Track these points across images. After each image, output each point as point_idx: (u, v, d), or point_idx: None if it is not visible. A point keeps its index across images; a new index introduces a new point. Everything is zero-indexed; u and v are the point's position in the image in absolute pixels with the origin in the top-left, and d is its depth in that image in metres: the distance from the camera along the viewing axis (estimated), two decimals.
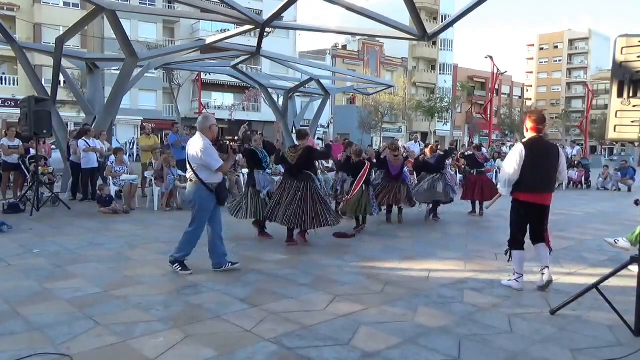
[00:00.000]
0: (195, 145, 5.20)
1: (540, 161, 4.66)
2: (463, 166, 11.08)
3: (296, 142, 7.05)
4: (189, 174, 5.33)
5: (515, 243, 4.89)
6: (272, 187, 7.36)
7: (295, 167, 6.69)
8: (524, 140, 4.79)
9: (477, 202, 10.13)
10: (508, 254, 4.98)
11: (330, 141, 18.16)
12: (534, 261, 6.04)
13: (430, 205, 9.37)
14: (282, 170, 11.90)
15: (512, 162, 4.66)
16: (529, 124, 4.76)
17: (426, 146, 11.18)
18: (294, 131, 18.87)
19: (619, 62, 3.79)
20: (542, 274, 4.90)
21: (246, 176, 8.09)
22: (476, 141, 34.76)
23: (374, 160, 8.65)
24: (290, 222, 6.55)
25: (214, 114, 37.38)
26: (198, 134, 5.32)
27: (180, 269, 5.26)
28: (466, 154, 11.16)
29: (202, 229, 5.37)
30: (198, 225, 5.31)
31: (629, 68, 3.74)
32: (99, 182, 10.97)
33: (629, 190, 16.50)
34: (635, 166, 21.10)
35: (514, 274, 4.94)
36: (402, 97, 44.99)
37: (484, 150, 12.42)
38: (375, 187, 8.66)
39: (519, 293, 4.74)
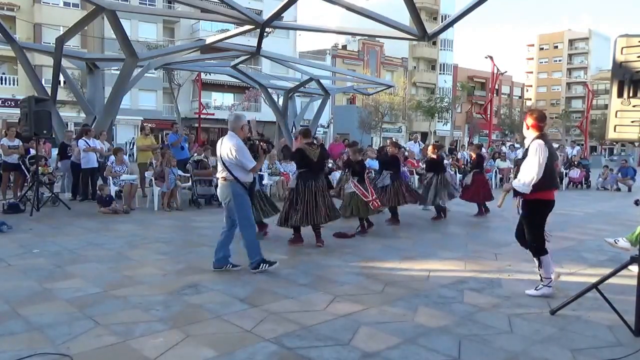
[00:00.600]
0: (228, 144, 5.22)
1: (552, 157, 4.55)
2: (463, 166, 11.08)
3: (303, 141, 6.88)
4: (223, 173, 5.29)
5: (543, 249, 4.62)
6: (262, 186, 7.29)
7: (317, 165, 6.67)
8: (537, 137, 4.51)
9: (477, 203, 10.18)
10: (538, 262, 4.65)
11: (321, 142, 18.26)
12: (534, 261, 6.05)
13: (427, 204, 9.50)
14: (283, 170, 11.96)
15: (541, 159, 4.38)
16: (530, 121, 4.58)
17: (427, 147, 11.22)
18: (294, 131, 18.90)
19: (619, 62, 3.79)
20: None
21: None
22: (476, 141, 34.75)
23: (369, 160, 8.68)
24: (323, 219, 6.58)
25: (213, 114, 36.99)
26: (230, 133, 5.34)
27: (267, 266, 5.31)
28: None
29: (254, 225, 5.48)
30: (250, 223, 5.36)
31: (629, 68, 3.74)
32: (99, 182, 10.99)
33: (629, 190, 16.48)
34: (635, 166, 21.09)
35: (543, 280, 4.65)
36: (402, 97, 45.01)
37: (483, 150, 12.46)
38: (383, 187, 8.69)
39: (519, 293, 4.74)
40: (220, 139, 5.48)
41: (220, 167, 5.33)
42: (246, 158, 5.22)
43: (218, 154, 5.36)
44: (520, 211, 4.70)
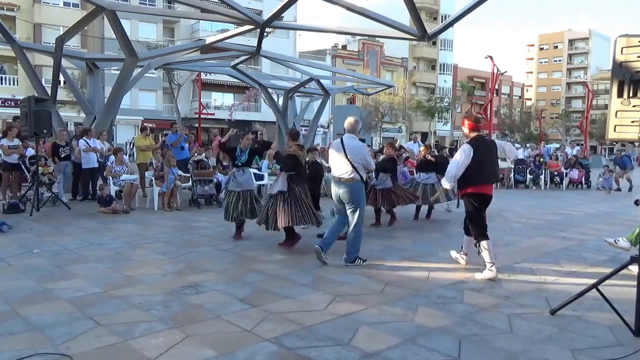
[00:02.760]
0: (357, 146, 5.67)
1: (485, 156, 5.22)
2: None
3: (293, 144, 6.68)
4: (351, 174, 5.58)
5: (483, 234, 5.27)
6: (249, 186, 7.19)
7: (312, 166, 6.81)
8: (468, 140, 5.30)
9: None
10: (478, 247, 5.31)
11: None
12: (534, 261, 6.07)
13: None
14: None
15: (460, 160, 5.19)
16: (467, 123, 5.37)
17: (426, 147, 11.20)
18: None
19: (619, 62, 3.78)
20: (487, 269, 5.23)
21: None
22: None
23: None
24: (290, 221, 6.34)
25: (213, 114, 36.99)
26: (350, 135, 5.72)
27: (363, 261, 5.68)
28: None
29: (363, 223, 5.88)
30: (362, 219, 5.73)
31: (629, 68, 3.73)
32: (99, 182, 10.98)
33: (630, 190, 16.28)
34: (636, 166, 20.95)
35: (486, 265, 5.22)
36: (402, 97, 45.01)
37: None
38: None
39: (518, 293, 4.74)
40: (337, 141, 5.79)
41: (347, 167, 5.59)
42: (371, 159, 5.85)
43: (340, 154, 5.61)
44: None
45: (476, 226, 5.29)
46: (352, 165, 5.55)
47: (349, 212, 5.71)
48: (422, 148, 10.28)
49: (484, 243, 5.21)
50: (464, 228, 5.62)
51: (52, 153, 10.85)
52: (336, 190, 5.73)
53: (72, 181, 11.24)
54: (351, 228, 5.69)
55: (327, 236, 5.85)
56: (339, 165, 5.67)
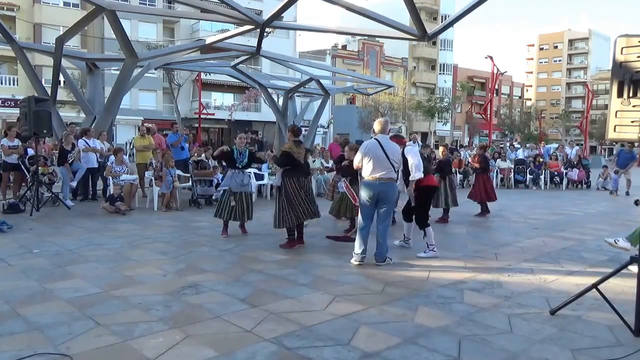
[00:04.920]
0: (395, 147, 5.81)
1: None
2: (469, 167, 11.23)
3: (292, 139, 6.72)
4: (392, 174, 5.69)
5: (427, 223, 6.32)
6: (248, 188, 7.42)
7: (305, 164, 6.71)
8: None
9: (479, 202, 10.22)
10: (424, 233, 6.26)
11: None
12: (534, 261, 6.07)
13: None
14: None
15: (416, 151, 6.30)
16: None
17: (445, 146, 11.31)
18: None
19: (619, 62, 3.78)
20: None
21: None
22: (476, 141, 34.72)
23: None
24: (312, 214, 6.61)
25: (213, 114, 37.00)
26: (386, 136, 5.83)
27: (390, 260, 5.85)
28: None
29: None
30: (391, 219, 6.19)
31: (629, 68, 3.73)
32: (99, 182, 10.95)
33: (627, 194, 15.54)
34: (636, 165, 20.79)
35: (429, 246, 6.22)
36: (402, 97, 45.01)
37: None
38: None
39: (519, 293, 4.73)
40: (373, 142, 5.73)
41: (388, 167, 5.66)
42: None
43: (382, 155, 5.62)
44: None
45: (425, 214, 6.45)
46: (392, 165, 5.65)
47: (383, 211, 5.70)
48: (441, 149, 10.37)
49: (430, 229, 6.31)
50: (406, 217, 6.68)
51: (60, 158, 10.45)
52: (375, 191, 5.65)
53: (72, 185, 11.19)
54: (384, 227, 5.74)
55: (379, 244, 5.79)
56: (379, 166, 5.62)
